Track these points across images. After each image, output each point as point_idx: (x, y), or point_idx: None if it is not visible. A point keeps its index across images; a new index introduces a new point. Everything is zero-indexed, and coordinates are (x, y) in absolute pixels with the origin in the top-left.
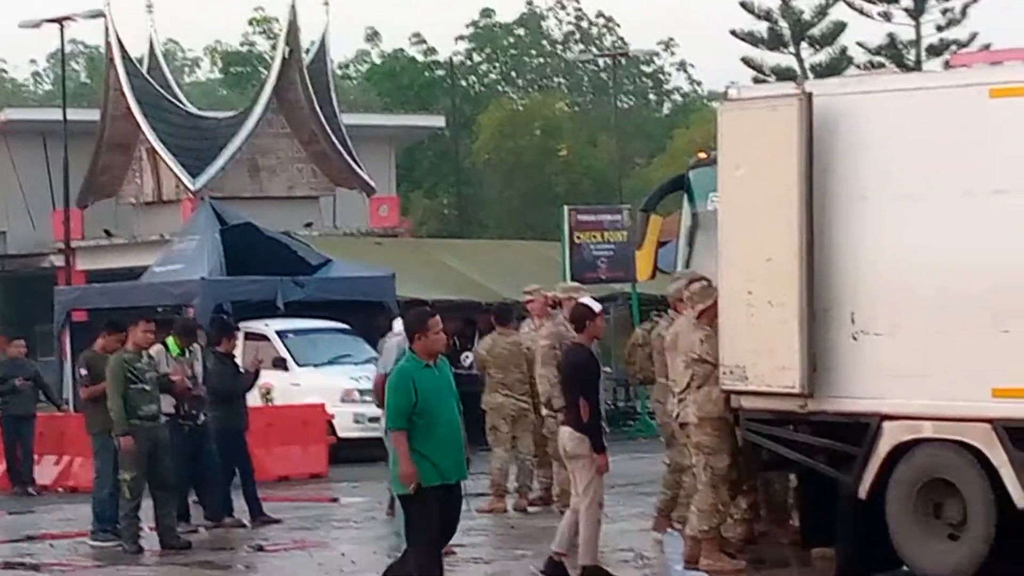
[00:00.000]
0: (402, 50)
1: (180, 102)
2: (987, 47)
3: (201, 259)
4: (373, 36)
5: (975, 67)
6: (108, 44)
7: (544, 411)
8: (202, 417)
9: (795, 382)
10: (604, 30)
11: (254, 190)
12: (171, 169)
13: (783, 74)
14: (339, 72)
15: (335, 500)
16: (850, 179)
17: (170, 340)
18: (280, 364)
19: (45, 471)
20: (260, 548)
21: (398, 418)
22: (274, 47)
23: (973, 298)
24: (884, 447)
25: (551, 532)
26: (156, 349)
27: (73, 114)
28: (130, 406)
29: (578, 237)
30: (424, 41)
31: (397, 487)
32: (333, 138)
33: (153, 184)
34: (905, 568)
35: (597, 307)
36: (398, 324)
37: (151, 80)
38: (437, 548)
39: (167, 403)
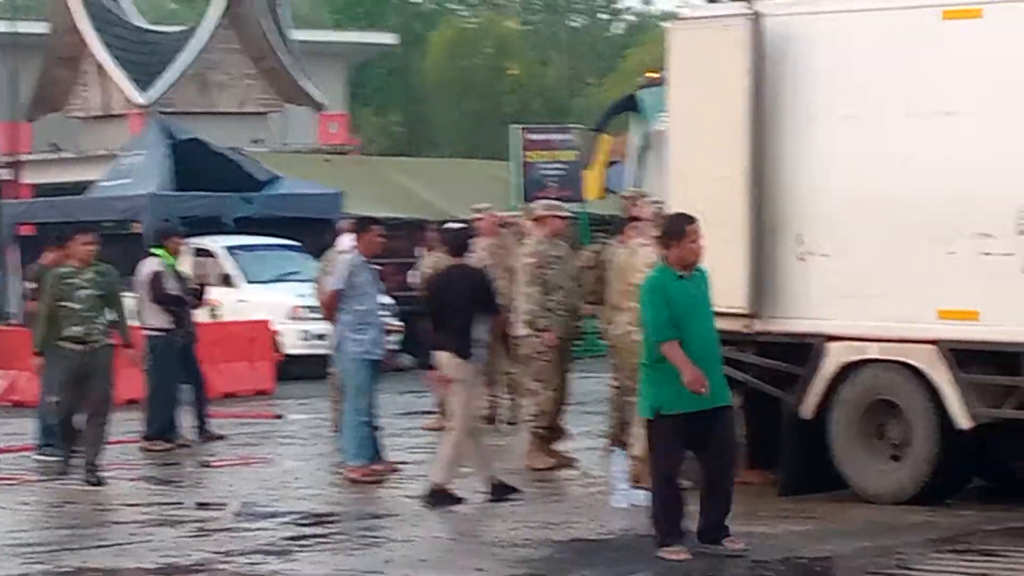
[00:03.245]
0: None
1: (128, 16)
2: None
3: (149, 174)
4: None
5: None
6: None
7: (524, 331)
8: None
9: (742, 302)
10: None
11: (203, 105)
12: (119, 83)
13: None
14: None
15: (280, 417)
16: (800, 99)
17: (160, 252)
18: (227, 280)
19: None
20: (206, 464)
21: (663, 329)
22: None
23: (920, 220)
24: (829, 368)
25: (496, 450)
26: (153, 262)
27: (21, 27)
28: (54, 326)
29: (528, 157)
30: None
31: (641, 409)
32: (283, 54)
33: (101, 98)
34: (848, 488)
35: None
36: (345, 240)
37: None
38: (675, 481)
39: (162, 319)
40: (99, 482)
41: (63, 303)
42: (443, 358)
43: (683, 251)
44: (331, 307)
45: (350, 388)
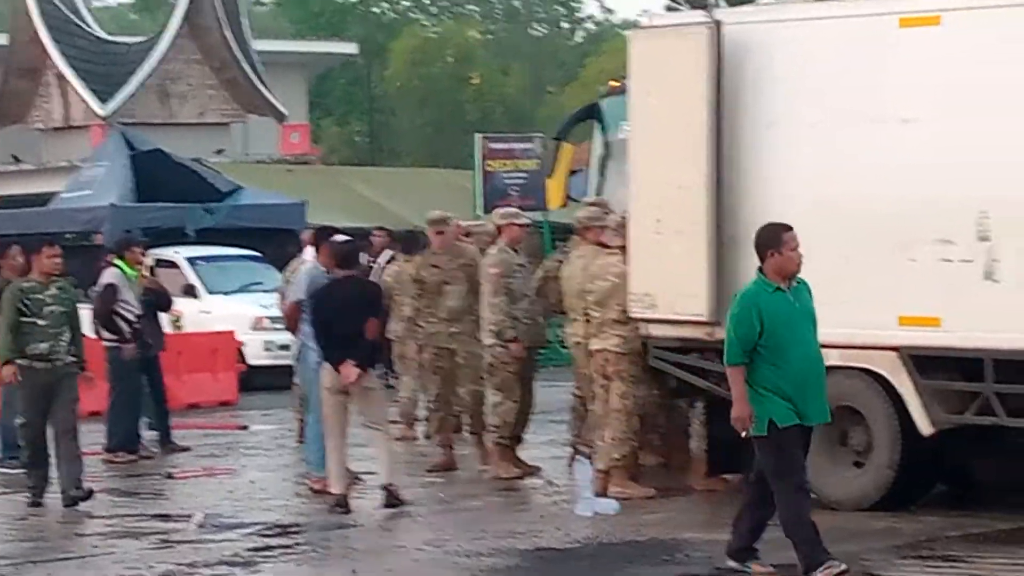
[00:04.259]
0: None
1: (89, 27)
2: None
3: (110, 185)
4: None
5: None
6: None
7: (489, 340)
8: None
9: (703, 310)
10: None
11: (164, 116)
12: (80, 95)
13: (695, 2)
14: None
15: (244, 428)
16: (759, 107)
17: (121, 263)
18: (190, 291)
19: None
20: (169, 476)
21: (736, 352)
22: None
23: (880, 227)
24: None
25: (460, 459)
26: (112, 273)
27: None
28: (18, 342)
29: (490, 165)
30: None
31: (756, 428)
32: (244, 64)
33: (62, 110)
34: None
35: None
36: (308, 251)
37: (60, 4)
38: (804, 489)
39: (121, 330)
40: (88, 494)
41: (29, 319)
42: (345, 368)
43: (783, 261)
44: (294, 318)
45: (313, 398)
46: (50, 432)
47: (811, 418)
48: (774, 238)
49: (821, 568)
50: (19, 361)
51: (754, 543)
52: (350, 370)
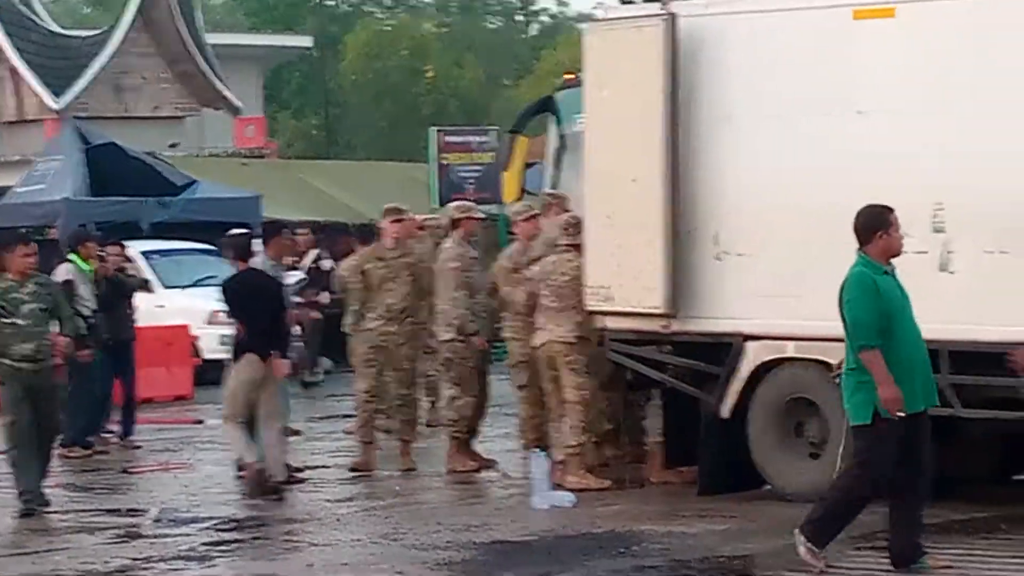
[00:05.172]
0: None
1: (43, 21)
2: None
3: (64, 179)
4: None
5: None
6: None
7: (447, 335)
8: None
9: (659, 302)
10: None
11: (118, 110)
12: (33, 88)
13: None
14: None
15: (200, 422)
16: (715, 100)
17: (75, 257)
18: (145, 286)
19: None
20: (125, 470)
21: (869, 333)
22: None
23: (835, 219)
24: (747, 367)
25: (417, 453)
26: (65, 268)
27: None
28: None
29: (445, 159)
30: None
31: (857, 416)
32: (198, 58)
33: (15, 103)
34: (766, 487)
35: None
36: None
37: None
38: (878, 489)
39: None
40: (46, 503)
41: (8, 320)
42: (279, 363)
43: (890, 242)
44: None
45: None
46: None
47: (922, 401)
48: (882, 220)
49: (815, 550)
50: (4, 362)
51: (918, 539)
52: (283, 365)
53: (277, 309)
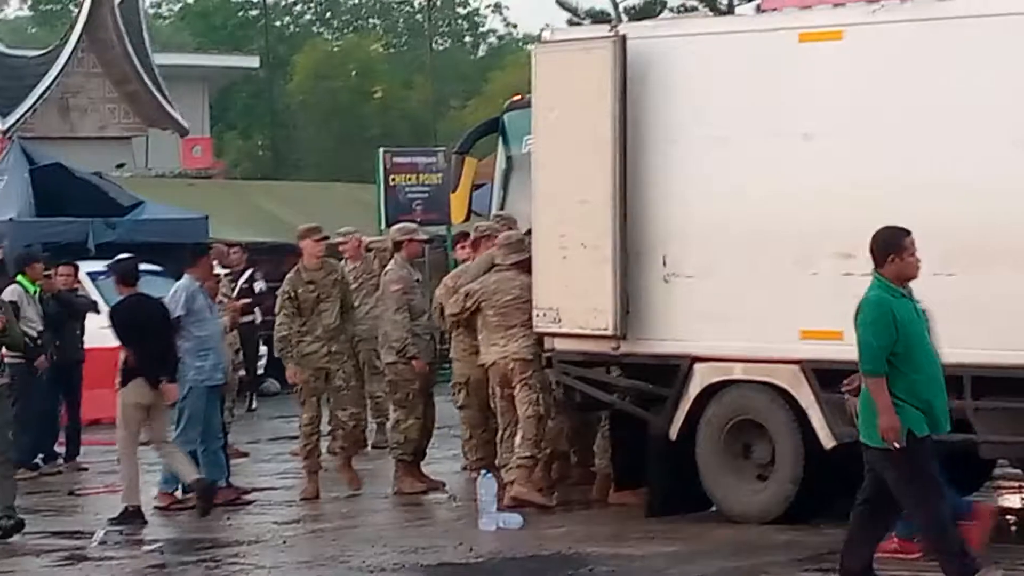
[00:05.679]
0: None
1: None
2: None
3: (9, 200)
4: None
5: (785, 11)
6: None
7: (389, 358)
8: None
9: (607, 324)
10: None
11: (64, 130)
12: None
13: (597, 17)
14: (151, 11)
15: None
16: (663, 122)
17: (23, 279)
18: (95, 307)
19: None
20: (71, 492)
21: (877, 359)
22: None
23: (782, 241)
24: (694, 388)
25: (364, 474)
26: (11, 290)
27: None
28: None
29: (393, 179)
30: None
31: (874, 439)
32: (145, 78)
33: None
34: (714, 508)
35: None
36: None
37: None
38: (943, 505)
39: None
40: (19, 525)
41: None
42: (169, 388)
43: (903, 266)
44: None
45: (183, 415)
46: None
47: (942, 426)
48: (895, 242)
49: (978, 570)
50: None
51: (872, 566)
52: (173, 390)
53: (165, 334)
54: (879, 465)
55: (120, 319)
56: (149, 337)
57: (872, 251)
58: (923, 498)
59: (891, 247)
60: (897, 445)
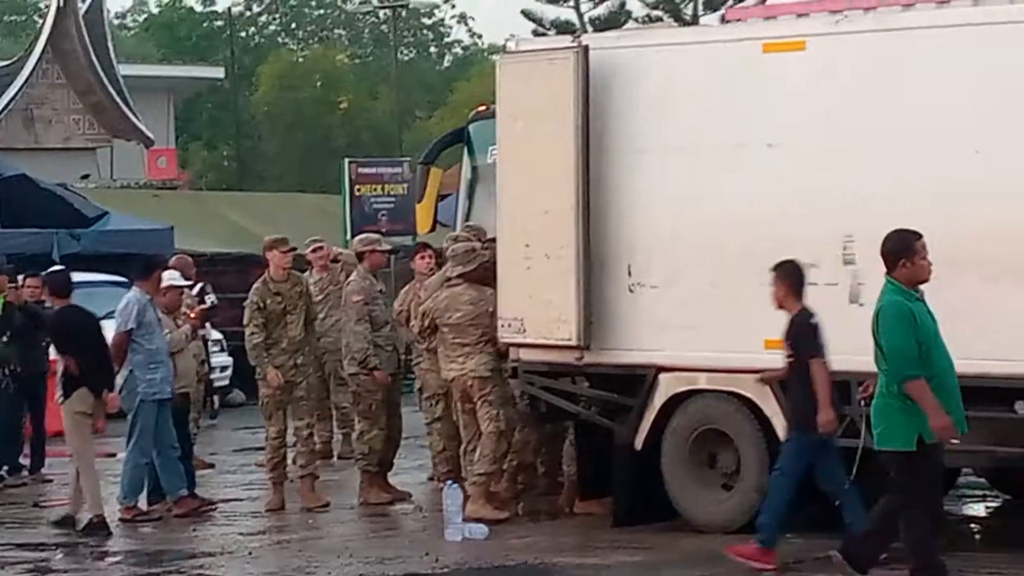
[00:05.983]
0: (180, 0)
1: None
2: (763, 1)
3: None
4: None
5: (749, 22)
6: None
7: (352, 369)
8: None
9: (572, 334)
10: None
11: (28, 141)
12: None
13: (562, 27)
14: (116, 22)
15: (112, 455)
16: (627, 132)
17: None
18: None
19: None
20: (36, 504)
21: (912, 363)
22: None
23: (746, 251)
24: (659, 398)
25: (330, 485)
26: None
27: None
28: None
29: (358, 190)
30: None
31: (895, 441)
32: (110, 89)
33: None
34: (680, 518)
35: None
36: (170, 274)
37: None
38: (938, 517)
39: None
40: None
41: None
42: (81, 393)
43: (915, 270)
44: (122, 348)
45: (136, 428)
46: None
47: (961, 427)
48: (906, 246)
49: None
50: None
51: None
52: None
53: (100, 345)
54: (890, 467)
55: (57, 330)
56: (87, 348)
57: (883, 255)
58: (915, 507)
59: (903, 251)
60: (955, 441)
